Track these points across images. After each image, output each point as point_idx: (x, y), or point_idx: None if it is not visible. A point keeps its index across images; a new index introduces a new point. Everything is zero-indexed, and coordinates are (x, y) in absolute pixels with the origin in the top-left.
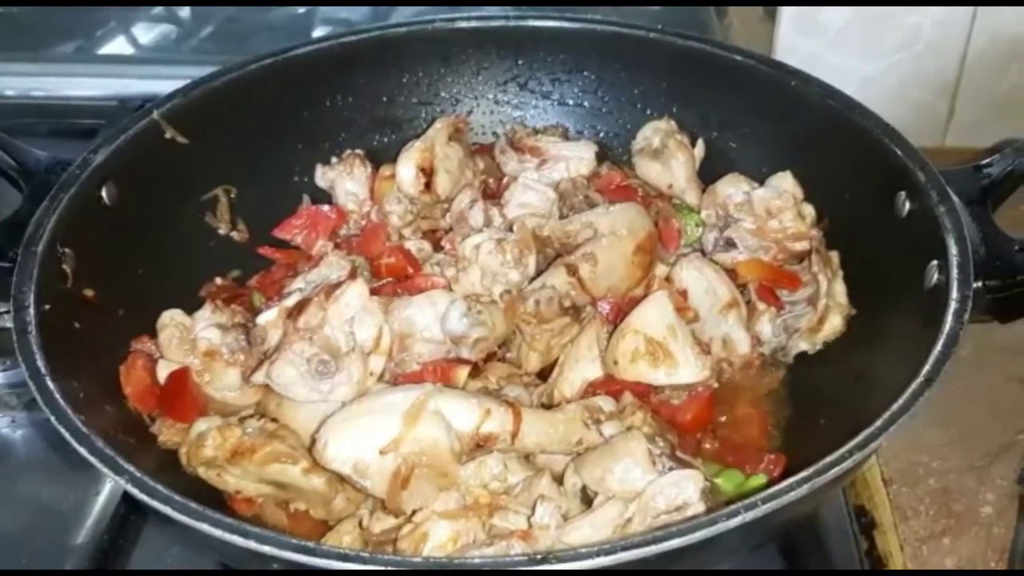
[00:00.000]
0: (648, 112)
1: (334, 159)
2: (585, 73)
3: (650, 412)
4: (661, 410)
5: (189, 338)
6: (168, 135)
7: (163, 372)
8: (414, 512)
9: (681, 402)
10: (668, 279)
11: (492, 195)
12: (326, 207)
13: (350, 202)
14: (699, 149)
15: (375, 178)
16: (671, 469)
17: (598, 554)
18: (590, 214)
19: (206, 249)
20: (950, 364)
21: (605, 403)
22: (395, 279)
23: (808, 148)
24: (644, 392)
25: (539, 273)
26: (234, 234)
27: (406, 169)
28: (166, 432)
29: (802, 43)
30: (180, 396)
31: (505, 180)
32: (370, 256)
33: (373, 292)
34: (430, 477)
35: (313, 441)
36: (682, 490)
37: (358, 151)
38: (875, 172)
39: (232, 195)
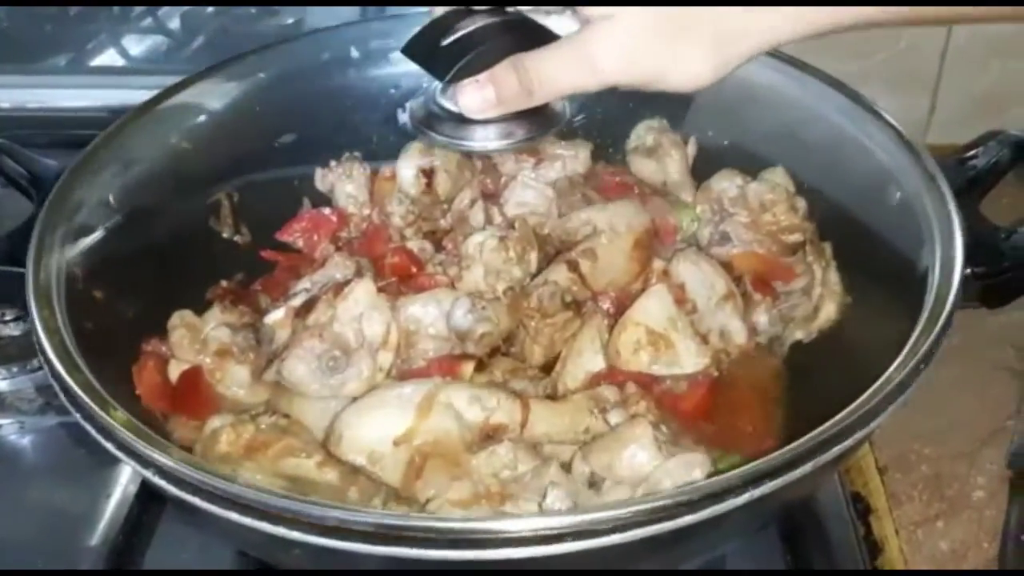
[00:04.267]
0: (641, 111)
1: (332, 162)
2: None
3: (653, 401)
4: (663, 399)
5: (200, 338)
6: (172, 141)
7: (175, 372)
8: (427, 501)
9: (682, 391)
10: (666, 273)
11: (490, 195)
12: (327, 210)
13: (350, 204)
14: (691, 146)
15: (374, 180)
16: (676, 454)
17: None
18: (588, 211)
19: (211, 253)
20: (943, 348)
21: (610, 393)
22: (399, 279)
23: (799, 141)
24: (647, 382)
25: (540, 270)
26: (237, 238)
27: (407, 169)
28: (180, 430)
29: None
30: (193, 394)
31: (503, 179)
32: (373, 257)
33: (378, 291)
34: (443, 467)
35: (327, 435)
36: (688, 473)
37: (356, 154)
38: (866, 163)
39: (235, 199)
